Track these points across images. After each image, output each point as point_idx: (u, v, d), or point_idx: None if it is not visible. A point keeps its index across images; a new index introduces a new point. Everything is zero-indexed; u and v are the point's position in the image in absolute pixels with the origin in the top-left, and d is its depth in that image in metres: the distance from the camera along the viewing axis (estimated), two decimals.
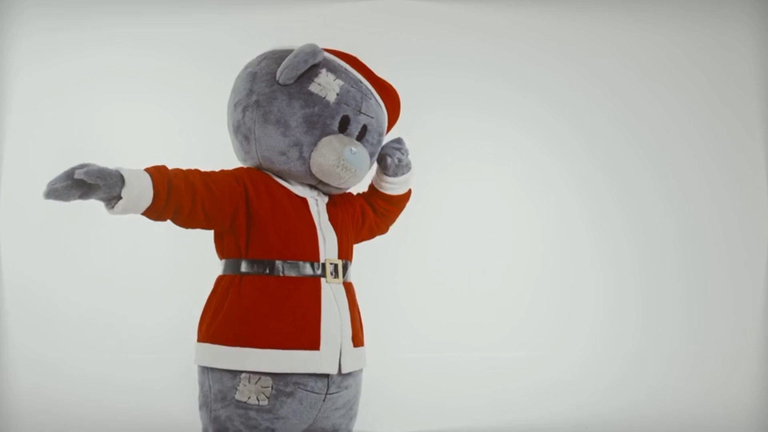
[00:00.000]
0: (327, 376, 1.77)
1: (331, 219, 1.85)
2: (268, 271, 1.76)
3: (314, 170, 1.79)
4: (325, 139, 1.78)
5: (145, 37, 3.05)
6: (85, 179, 1.56)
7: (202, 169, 1.78)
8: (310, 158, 1.79)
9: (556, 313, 3.17)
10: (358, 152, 1.79)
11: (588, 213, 3.20)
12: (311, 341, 1.74)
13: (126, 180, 1.60)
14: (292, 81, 1.79)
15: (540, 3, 3.17)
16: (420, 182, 3.14)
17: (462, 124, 3.16)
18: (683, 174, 3.21)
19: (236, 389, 1.74)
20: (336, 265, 1.81)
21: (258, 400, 1.74)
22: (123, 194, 1.60)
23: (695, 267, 3.18)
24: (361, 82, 1.86)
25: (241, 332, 1.74)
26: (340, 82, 1.81)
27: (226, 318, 1.76)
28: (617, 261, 3.20)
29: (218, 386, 1.76)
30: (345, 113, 1.81)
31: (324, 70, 1.81)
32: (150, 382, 2.90)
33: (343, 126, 1.81)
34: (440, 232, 3.16)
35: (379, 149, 1.93)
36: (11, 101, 3.04)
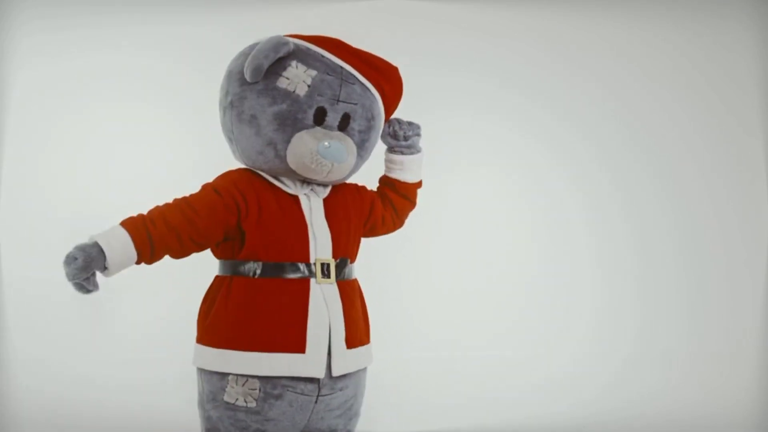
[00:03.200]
0: (317, 378, 1.74)
1: (327, 215, 1.80)
2: (255, 273, 1.75)
3: (293, 167, 1.75)
4: (296, 136, 1.73)
5: (145, 37, 3.05)
6: (81, 285, 1.70)
7: (186, 193, 1.78)
8: (286, 156, 1.74)
9: (555, 313, 3.17)
10: (332, 145, 1.72)
11: (587, 213, 3.21)
12: (296, 344, 1.72)
13: (106, 252, 1.67)
14: (258, 79, 1.74)
15: (540, 3, 3.17)
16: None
17: (461, 124, 3.16)
18: (682, 174, 3.21)
19: (224, 390, 1.75)
20: (327, 265, 1.76)
21: (246, 402, 1.74)
22: (108, 266, 1.69)
23: (694, 266, 3.19)
24: (341, 68, 1.78)
25: (227, 335, 1.74)
26: (312, 72, 1.74)
27: (215, 320, 1.77)
28: (615, 260, 3.20)
29: (209, 387, 1.77)
30: (320, 105, 1.74)
31: (294, 62, 1.75)
32: (150, 381, 2.90)
33: (320, 118, 1.74)
34: (439, 231, 3.16)
35: (374, 135, 1.86)
36: (11, 101, 3.05)
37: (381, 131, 1.91)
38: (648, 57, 3.20)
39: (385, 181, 2.01)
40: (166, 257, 1.76)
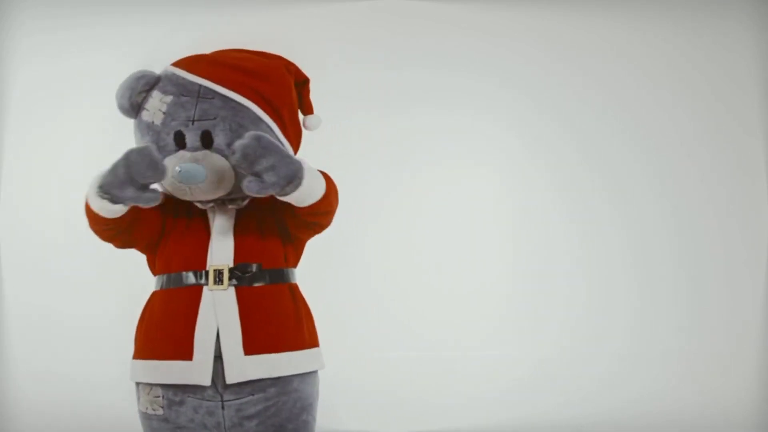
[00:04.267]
0: (214, 384, 1.73)
1: (238, 224, 1.78)
2: (160, 286, 1.79)
3: (170, 192, 1.76)
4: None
5: (146, 37, 3.05)
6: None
7: None
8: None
9: (555, 313, 3.17)
10: (183, 168, 1.69)
11: (586, 212, 3.20)
12: (185, 351, 1.72)
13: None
14: (128, 116, 1.79)
15: (540, 3, 3.17)
16: (417, 181, 3.16)
17: (462, 124, 3.16)
18: (682, 173, 3.21)
19: (139, 400, 1.81)
20: (220, 272, 1.74)
21: (153, 410, 1.77)
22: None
23: (694, 266, 3.18)
24: (199, 85, 1.75)
25: (136, 346, 1.81)
26: (168, 98, 1.74)
27: (135, 334, 1.82)
28: (615, 260, 3.20)
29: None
30: (176, 129, 1.72)
31: (155, 92, 1.77)
32: None
33: (180, 142, 1.73)
34: (440, 231, 3.16)
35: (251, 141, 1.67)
36: (11, 101, 3.05)
37: (274, 134, 1.76)
38: (647, 57, 3.20)
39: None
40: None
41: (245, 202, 1.80)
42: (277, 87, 1.78)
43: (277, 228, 1.80)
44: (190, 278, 1.75)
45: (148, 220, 1.78)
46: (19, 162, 3.05)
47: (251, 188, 1.62)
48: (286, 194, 1.64)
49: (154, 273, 1.82)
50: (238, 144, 1.61)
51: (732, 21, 3.15)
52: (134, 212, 1.72)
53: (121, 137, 3.01)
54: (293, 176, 1.62)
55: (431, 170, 3.14)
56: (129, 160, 1.60)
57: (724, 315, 3.14)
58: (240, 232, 1.77)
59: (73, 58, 3.06)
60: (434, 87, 3.13)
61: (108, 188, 1.62)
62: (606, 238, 3.20)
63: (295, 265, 1.84)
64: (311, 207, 1.70)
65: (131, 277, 2.94)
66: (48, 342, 2.99)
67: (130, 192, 1.61)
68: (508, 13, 3.18)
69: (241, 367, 1.72)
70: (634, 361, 3.12)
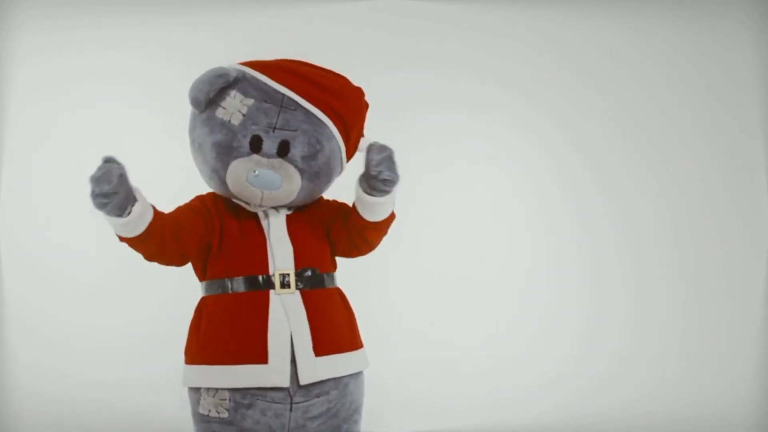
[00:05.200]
0: (285, 386, 1.77)
1: (290, 229, 1.83)
2: (219, 290, 1.80)
3: (234, 193, 1.80)
4: (232, 164, 1.77)
5: (146, 37, 3.05)
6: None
7: (182, 193, 1.88)
8: (227, 182, 1.79)
9: (555, 312, 3.17)
10: (261, 174, 1.75)
11: (585, 213, 3.20)
12: (258, 355, 1.75)
13: (138, 197, 1.68)
14: (199, 109, 1.80)
15: (540, 3, 3.17)
16: (417, 181, 3.16)
17: (461, 124, 3.16)
18: (682, 174, 3.21)
19: (199, 404, 1.81)
20: (287, 275, 1.78)
21: (218, 412, 1.78)
22: (134, 208, 1.67)
23: (694, 267, 3.18)
24: (282, 95, 1.79)
25: (198, 351, 1.81)
26: (249, 101, 1.77)
27: (189, 339, 1.84)
28: (614, 261, 3.20)
29: (191, 403, 1.84)
30: (255, 133, 1.76)
31: (233, 92, 1.79)
32: (148, 380, 2.90)
33: (256, 146, 1.77)
34: (438, 231, 3.16)
35: (323, 158, 1.81)
36: (11, 100, 3.05)
37: (341, 152, 1.85)
38: (647, 57, 3.20)
39: (351, 210, 1.88)
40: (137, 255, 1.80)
41: (292, 210, 1.85)
42: (354, 109, 1.87)
43: (326, 234, 1.88)
44: (256, 283, 1.78)
45: (192, 226, 1.80)
46: (19, 162, 3.05)
47: (386, 175, 1.76)
48: (385, 192, 1.80)
49: (204, 278, 1.84)
50: (384, 153, 1.76)
51: (732, 21, 3.15)
52: (170, 223, 1.76)
53: (121, 136, 3.04)
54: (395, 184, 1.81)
55: (430, 170, 3.14)
56: (94, 184, 1.63)
57: (724, 315, 3.15)
58: (295, 236, 1.83)
59: (73, 58, 3.06)
60: (434, 87, 3.14)
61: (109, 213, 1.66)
62: (606, 238, 3.20)
63: (336, 270, 1.91)
64: (375, 223, 1.84)
65: (131, 279, 2.96)
66: (48, 342, 2.99)
67: (115, 204, 1.64)
68: (508, 13, 3.18)
69: (313, 368, 1.78)
70: (634, 361, 3.12)
